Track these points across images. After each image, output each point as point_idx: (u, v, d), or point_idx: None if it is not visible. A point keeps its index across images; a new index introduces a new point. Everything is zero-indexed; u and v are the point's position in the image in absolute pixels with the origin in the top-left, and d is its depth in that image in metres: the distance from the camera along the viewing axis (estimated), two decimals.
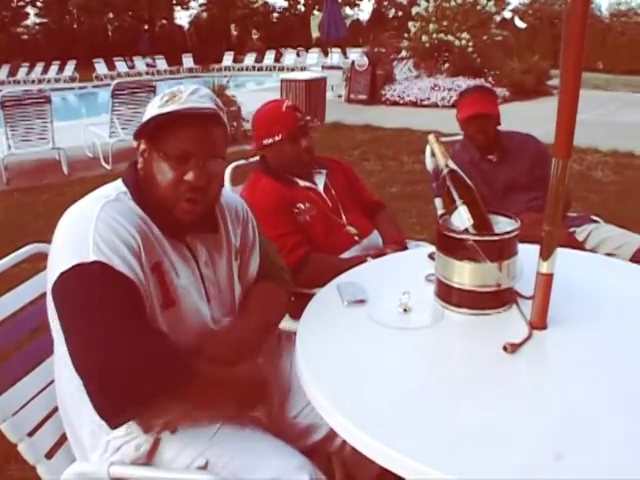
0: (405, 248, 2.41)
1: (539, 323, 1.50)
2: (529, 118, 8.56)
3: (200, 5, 43.56)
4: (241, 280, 1.70)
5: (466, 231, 1.57)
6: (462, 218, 1.59)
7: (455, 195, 1.63)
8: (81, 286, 1.32)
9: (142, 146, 1.48)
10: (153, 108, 1.46)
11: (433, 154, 3.12)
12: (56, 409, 1.60)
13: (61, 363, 1.49)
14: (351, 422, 1.18)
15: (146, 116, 1.47)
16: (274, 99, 2.53)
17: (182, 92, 1.45)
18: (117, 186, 1.50)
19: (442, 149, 1.72)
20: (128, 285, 1.33)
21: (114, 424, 1.31)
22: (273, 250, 1.82)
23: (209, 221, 1.59)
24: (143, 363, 1.28)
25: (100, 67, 24.88)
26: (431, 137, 1.76)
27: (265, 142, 2.37)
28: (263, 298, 1.70)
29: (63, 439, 1.62)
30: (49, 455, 1.58)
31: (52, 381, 1.59)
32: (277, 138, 2.34)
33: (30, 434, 1.54)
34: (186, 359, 1.35)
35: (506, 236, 1.56)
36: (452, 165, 1.68)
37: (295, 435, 1.64)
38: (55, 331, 1.49)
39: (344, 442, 1.68)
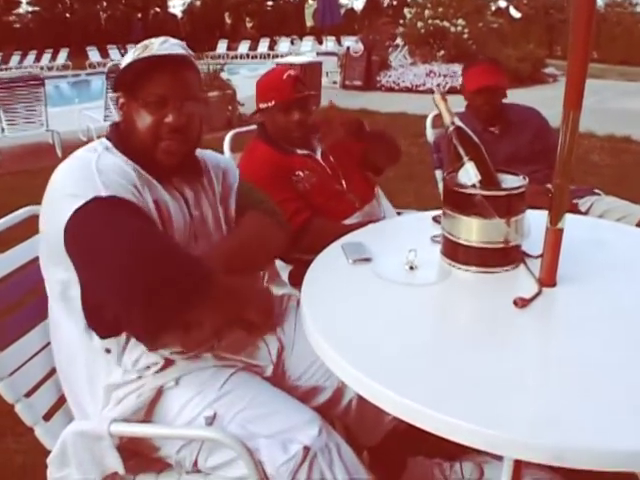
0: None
1: (548, 280, 1.46)
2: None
3: None
4: (227, 224, 1.70)
5: (474, 187, 1.53)
6: (469, 174, 1.55)
7: (462, 152, 1.59)
8: (103, 214, 1.31)
9: (121, 100, 1.53)
10: (127, 59, 1.51)
11: (433, 126, 3.09)
12: (53, 371, 1.58)
13: (57, 324, 1.49)
14: (363, 373, 1.15)
15: (121, 66, 1.53)
16: (281, 66, 2.51)
17: (153, 43, 1.51)
18: (100, 142, 1.53)
19: (448, 106, 1.68)
20: (145, 213, 1.38)
21: (154, 340, 1.37)
22: (270, 202, 1.80)
23: (193, 165, 1.63)
24: (176, 274, 1.29)
25: (93, 55, 24.70)
26: (436, 95, 1.71)
27: (261, 106, 2.37)
28: (254, 222, 1.70)
29: (61, 402, 1.59)
30: (47, 417, 1.55)
31: (49, 343, 1.56)
32: (270, 104, 2.32)
33: (27, 395, 1.50)
34: (209, 268, 1.36)
35: (515, 191, 1.52)
36: (458, 122, 1.64)
37: (297, 398, 1.61)
38: (51, 292, 1.47)
39: (348, 406, 1.68)
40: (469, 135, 1.62)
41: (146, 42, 1.52)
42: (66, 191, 1.34)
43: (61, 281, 1.40)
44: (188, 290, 1.28)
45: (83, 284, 1.34)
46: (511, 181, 1.61)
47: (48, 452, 1.49)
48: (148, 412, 1.45)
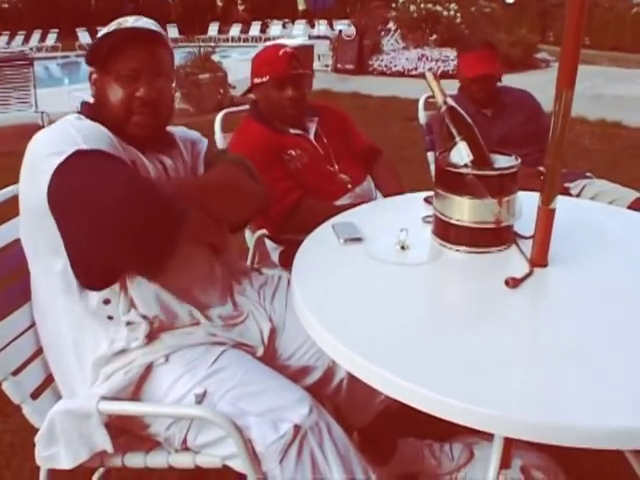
0: None
1: (540, 260, 1.46)
2: None
3: None
4: None
5: (466, 167, 1.52)
6: (461, 154, 1.54)
7: (454, 131, 1.58)
8: (86, 164, 1.31)
9: (94, 75, 1.55)
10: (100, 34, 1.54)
11: (426, 108, 3.07)
12: (41, 350, 1.56)
13: (43, 301, 1.49)
14: (354, 352, 1.14)
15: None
16: (278, 42, 2.50)
17: (127, 20, 1.54)
18: (72, 115, 1.53)
19: (440, 86, 1.67)
20: (125, 161, 1.40)
21: (158, 267, 1.37)
22: (243, 158, 1.76)
23: (165, 137, 1.65)
24: (161, 210, 1.33)
25: (83, 36, 24.34)
26: (429, 74, 1.70)
27: (255, 81, 2.36)
28: (222, 168, 1.67)
29: (49, 380, 1.58)
30: (35, 396, 1.53)
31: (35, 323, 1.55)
32: (264, 79, 2.32)
33: (14, 373, 1.48)
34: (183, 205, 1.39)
35: (507, 171, 1.52)
36: (450, 102, 1.63)
37: (288, 378, 1.60)
38: (34, 269, 1.47)
39: (339, 386, 1.68)
40: (461, 115, 1.60)
41: (120, 19, 1.55)
42: (46, 152, 1.34)
43: (47, 252, 1.39)
44: (172, 223, 1.33)
45: (71, 238, 1.34)
46: (503, 161, 1.60)
47: (36, 431, 1.47)
48: (137, 389, 1.44)
